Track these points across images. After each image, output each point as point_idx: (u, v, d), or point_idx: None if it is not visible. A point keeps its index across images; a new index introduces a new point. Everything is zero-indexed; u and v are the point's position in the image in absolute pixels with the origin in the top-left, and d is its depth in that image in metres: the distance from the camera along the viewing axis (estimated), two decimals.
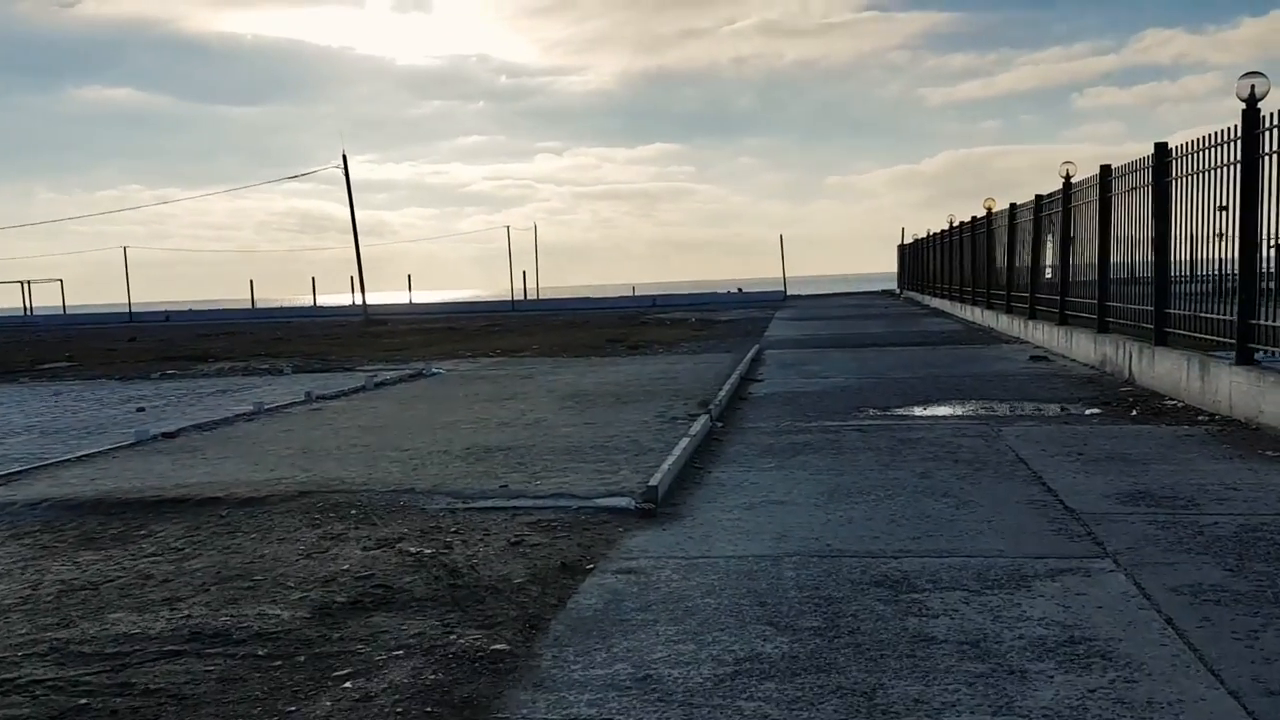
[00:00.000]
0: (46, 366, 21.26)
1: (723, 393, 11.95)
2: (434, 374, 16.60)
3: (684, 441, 8.43)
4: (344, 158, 43.97)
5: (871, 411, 10.87)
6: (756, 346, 19.67)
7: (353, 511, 6.57)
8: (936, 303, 34.76)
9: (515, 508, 6.58)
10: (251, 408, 11.94)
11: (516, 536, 5.95)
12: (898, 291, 51.08)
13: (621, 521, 6.29)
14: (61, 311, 60.19)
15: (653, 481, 6.83)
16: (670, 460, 7.59)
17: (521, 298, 57.92)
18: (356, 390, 14.08)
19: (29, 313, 59.56)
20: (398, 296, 59.73)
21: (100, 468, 8.27)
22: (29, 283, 60.49)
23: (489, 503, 6.71)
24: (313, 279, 57.07)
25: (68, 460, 8.61)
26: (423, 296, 65.45)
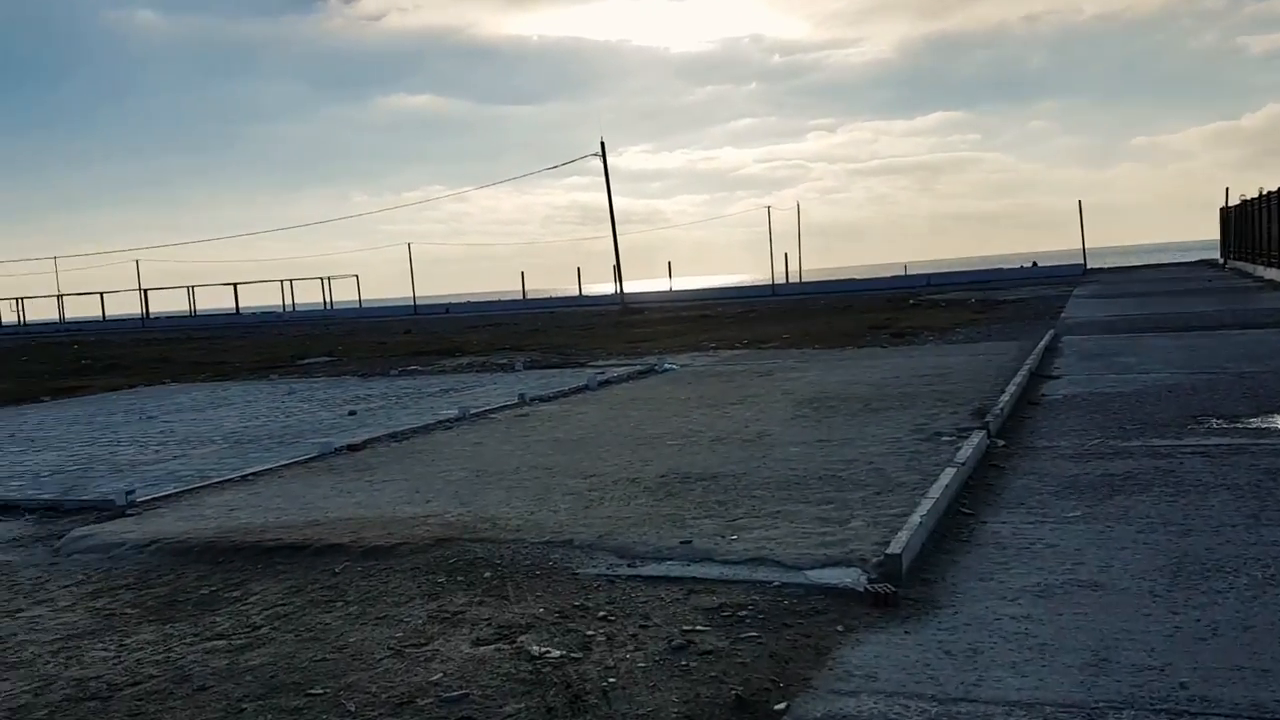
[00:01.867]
0: (306, 361, 21.75)
1: (1006, 396, 9.52)
2: (666, 370, 15.06)
3: (948, 473, 6.26)
4: (602, 147, 43.75)
5: (1215, 423, 8.12)
6: (1050, 332, 16.61)
7: (486, 574, 4.99)
8: (1272, 273, 29.32)
9: (694, 579, 4.75)
10: (456, 413, 10.83)
11: (684, 634, 4.12)
12: (1221, 261, 44.36)
13: (842, 612, 4.30)
14: (358, 305, 64.57)
15: (894, 548, 4.78)
16: (925, 506, 5.49)
17: (785, 281, 55.77)
18: (576, 391, 12.75)
19: (329, 306, 64.36)
20: (661, 284, 59.36)
21: (252, 493, 7.24)
22: (329, 279, 65.39)
23: (661, 568, 4.92)
24: (578, 269, 57.69)
25: (228, 481, 7.69)
26: (686, 283, 64.89)
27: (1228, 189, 47.04)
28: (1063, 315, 21.31)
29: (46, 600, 5.02)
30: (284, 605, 4.76)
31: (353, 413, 11.69)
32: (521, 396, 12.01)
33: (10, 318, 69.44)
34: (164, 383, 18.53)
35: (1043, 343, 14.72)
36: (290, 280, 64.92)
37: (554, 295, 62.17)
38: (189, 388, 17.09)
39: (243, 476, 7.84)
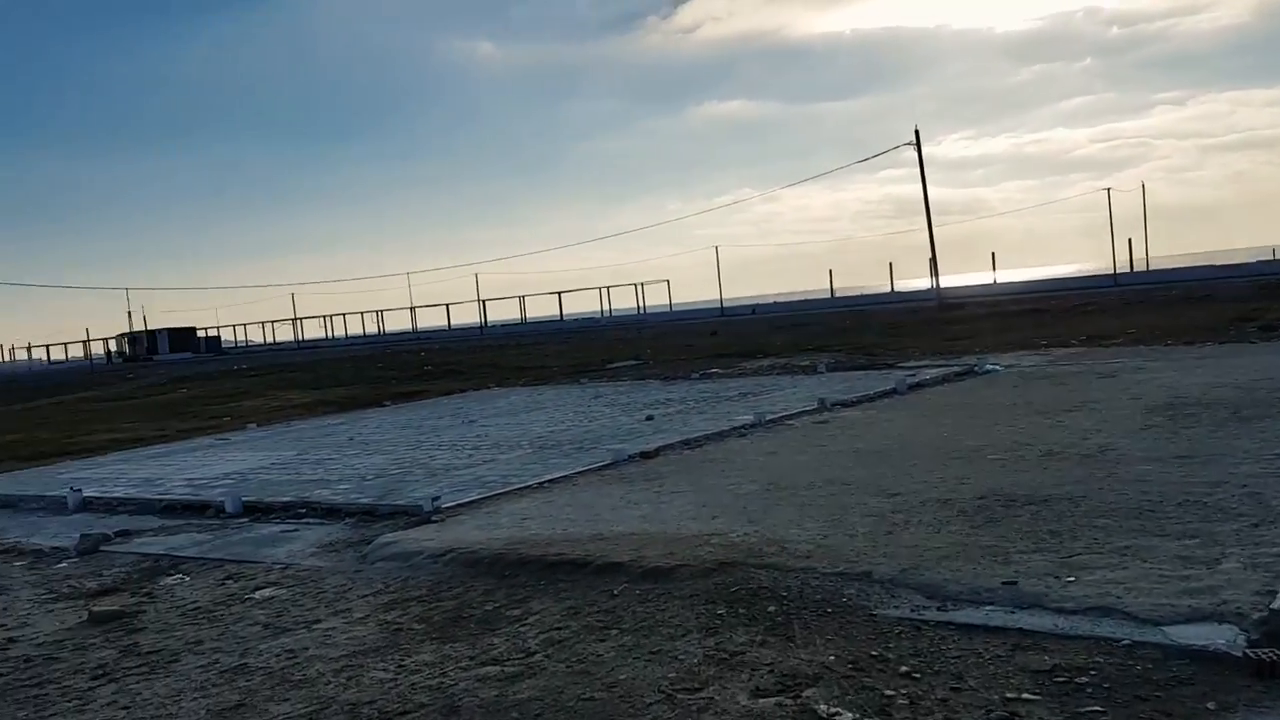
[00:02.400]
0: (615, 365, 22.28)
1: None
2: (987, 371, 13.80)
3: None
4: (916, 135, 41.79)
5: None
6: None
7: (770, 608, 4.48)
8: None
9: (1020, 631, 3.97)
10: (752, 418, 10.40)
11: (1006, 703, 3.39)
12: None
13: (1214, 684, 3.39)
14: (668, 309, 66.29)
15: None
16: None
17: (1128, 270, 50.68)
18: (883, 395, 11.92)
19: (641, 311, 66.57)
20: (984, 277, 56.00)
21: (546, 501, 7.18)
22: (642, 285, 67.66)
23: (979, 614, 4.17)
24: (890, 264, 55.76)
25: (526, 488, 7.71)
26: (1013, 275, 60.83)
27: None
28: None
29: (344, 611, 5.11)
30: (560, 629, 4.51)
31: (650, 418, 11.59)
32: (821, 401, 11.38)
33: (371, 328, 77.77)
34: (489, 387, 19.63)
35: None
36: (607, 287, 67.82)
37: (864, 293, 60.44)
38: (510, 391, 17.95)
39: (540, 483, 7.84)
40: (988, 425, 8.91)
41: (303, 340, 79.71)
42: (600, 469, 8.34)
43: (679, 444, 9.33)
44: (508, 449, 10.12)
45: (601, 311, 69.46)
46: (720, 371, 17.99)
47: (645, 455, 8.79)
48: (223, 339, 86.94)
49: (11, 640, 5.01)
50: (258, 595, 5.52)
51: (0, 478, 11.50)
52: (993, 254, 55.74)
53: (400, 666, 4.27)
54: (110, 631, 5.04)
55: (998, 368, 14.01)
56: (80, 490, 9.21)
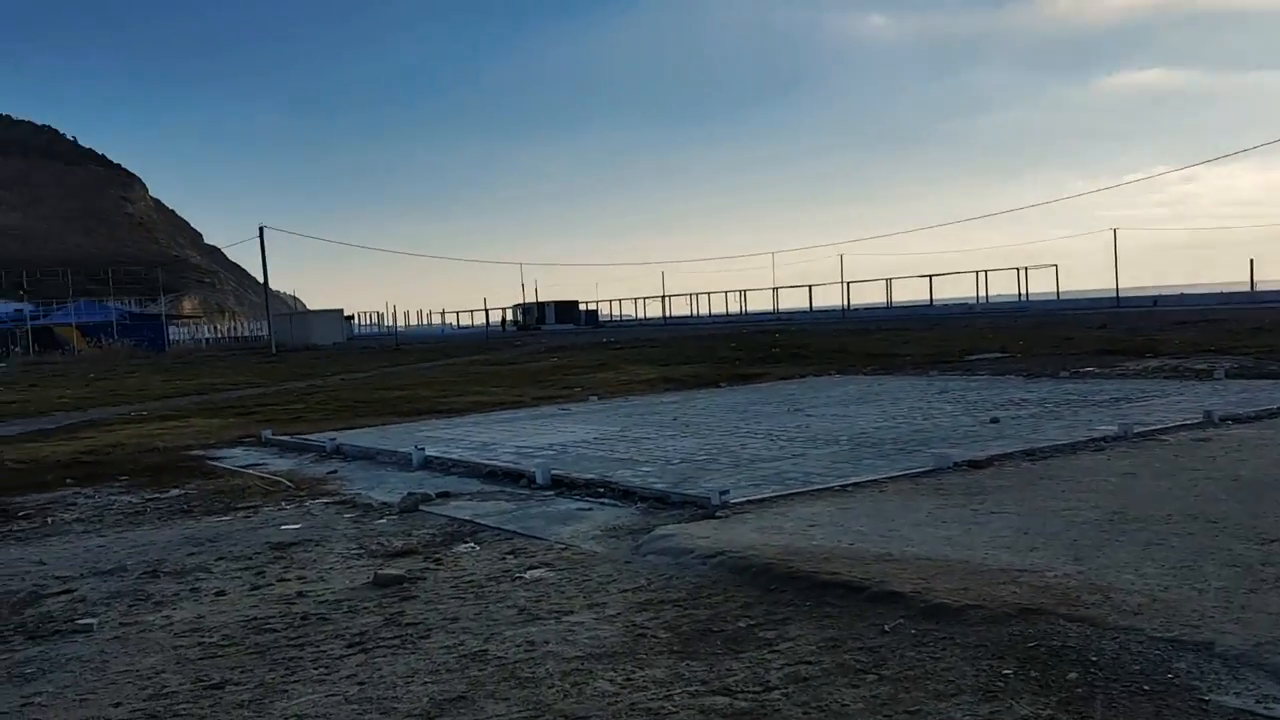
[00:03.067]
0: (975, 357, 20.69)
1: None
2: None
3: None
4: None
5: None
6: None
7: (1071, 676, 3.63)
8: None
9: None
10: (1116, 430, 8.99)
11: None
12: None
13: None
14: (1054, 297, 61.29)
15: None
16: None
17: None
18: None
19: (1023, 298, 62.08)
20: None
21: (842, 507, 6.55)
22: (1025, 269, 63.06)
23: None
24: None
25: (825, 490, 7.12)
26: None
27: None
28: None
29: (599, 605, 4.89)
30: (811, 664, 3.96)
31: (995, 420, 10.44)
32: (1208, 414, 9.63)
33: (735, 307, 79.29)
34: (830, 374, 19.00)
35: None
36: (984, 271, 63.99)
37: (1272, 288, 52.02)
38: (849, 380, 17.22)
39: (842, 486, 7.21)
40: None
41: (669, 317, 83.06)
42: (916, 476, 7.54)
43: (1019, 454, 8.25)
44: (823, 444, 9.54)
45: (977, 298, 65.68)
46: (1095, 371, 16.05)
47: (973, 464, 7.84)
48: (599, 313, 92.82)
49: (301, 595, 5.31)
50: (528, 575, 5.45)
51: (372, 431, 12.74)
52: None
53: (628, 680, 3.94)
54: (386, 596, 5.19)
55: None
56: (424, 449, 9.88)
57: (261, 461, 10.65)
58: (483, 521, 6.87)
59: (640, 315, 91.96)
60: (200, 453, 11.60)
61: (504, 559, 5.89)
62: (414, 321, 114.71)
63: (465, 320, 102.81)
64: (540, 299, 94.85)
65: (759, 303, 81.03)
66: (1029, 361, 18.68)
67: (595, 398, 16.19)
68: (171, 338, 75.21)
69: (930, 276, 66.73)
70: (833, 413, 12.08)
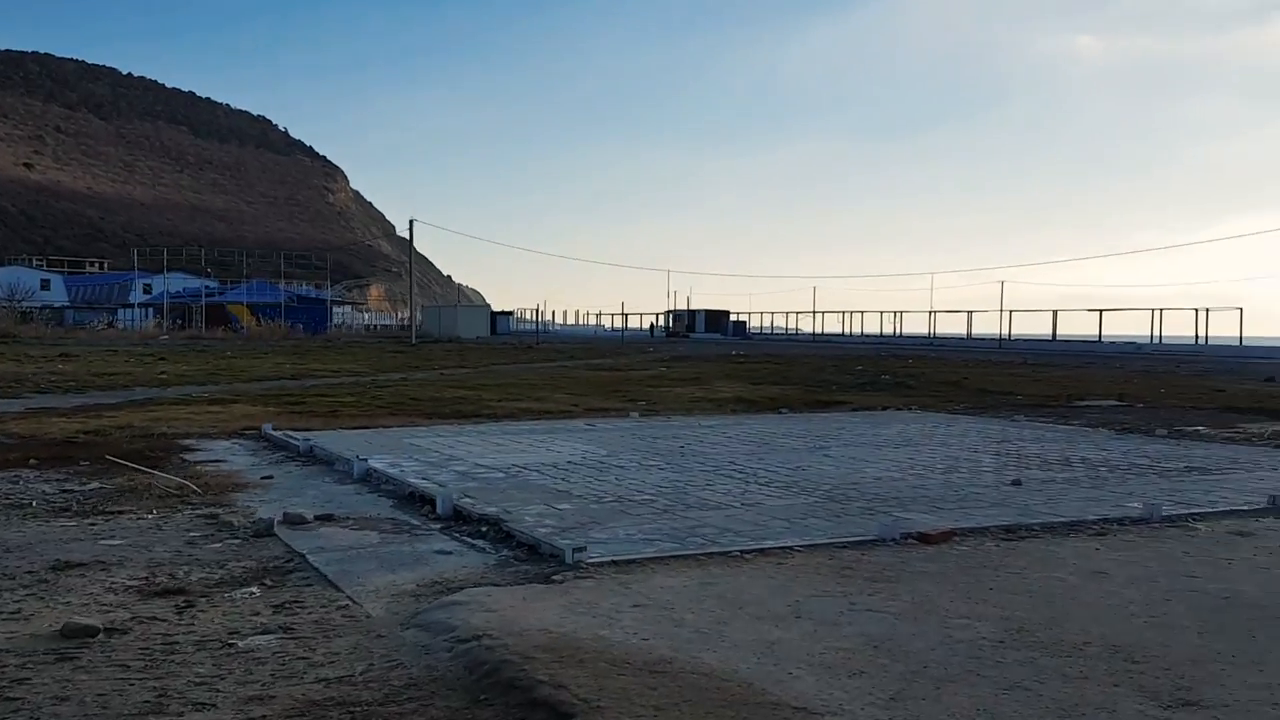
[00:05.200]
0: (1085, 403, 18.58)
1: None
2: None
3: None
4: None
5: None
6: None
7: None
8: None
9: None
10: (1139, 509, 7.40)
11: None
12: None
13: None
14: (1238, 342, 56.06)
15: None
16: None
17: None
18: None
19: (1200, 341, 57.08)
20: None
21: (705, 582, 5.43)
22: (1207, 311, 58.00)
23: None
24: None
25: (718, 555, 6.00)
26: None
27: None
28: None
29: (254, 701, 4.02)
30: None
31: (1017, 482, 8.93)
32: (1274, 500, 7.88)
33: (889, 328, 76.34)
34: (912, 408, 17.41)
35: None
36: (1160, 309, 59.25)
37: None
38: (924, 418, 15.64)
39: (743, 552, 6.06)
40: None
41: (819, 333, 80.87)
42: (847, 545, 6.32)
43: (998, 529, 6.88)
44: (796, 492, 8.33)
45: (1151, 337, 60.89)
46: (1204, 431, 13.95)
47: (924, 538, 6.53)
48: (749, 324, 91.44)
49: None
50: (244, 644, 4.49)
51: (367, 433, 12.24)
52: None
53: None
54: (49, 653, 4.30)
55: None
56: (366, 460, 9.26)
57: (227, 459, 10.28)
58: (313, 559, 6.07)
59: (792, 328, 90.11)
60: (190, 442, 11.37)
61: (259, 614, 4.98)
62: (571, 321, 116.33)
63: (620, 323, 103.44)
64: (692, 307, 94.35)
65: (916, 325, 77.78)
66: (1138, 414, 16.54)
67: (635, 414, 15.29)
68: (336, 322, 78.65)
69: (1101, 311, 62.26)
70: (854, 454, 10.76)
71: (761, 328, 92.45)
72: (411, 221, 60.82)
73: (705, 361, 35.99)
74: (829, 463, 10.12)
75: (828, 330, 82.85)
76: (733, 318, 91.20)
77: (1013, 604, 5.07)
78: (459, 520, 7.12)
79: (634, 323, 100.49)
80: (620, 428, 13.36)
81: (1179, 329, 59.97)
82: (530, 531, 6.45)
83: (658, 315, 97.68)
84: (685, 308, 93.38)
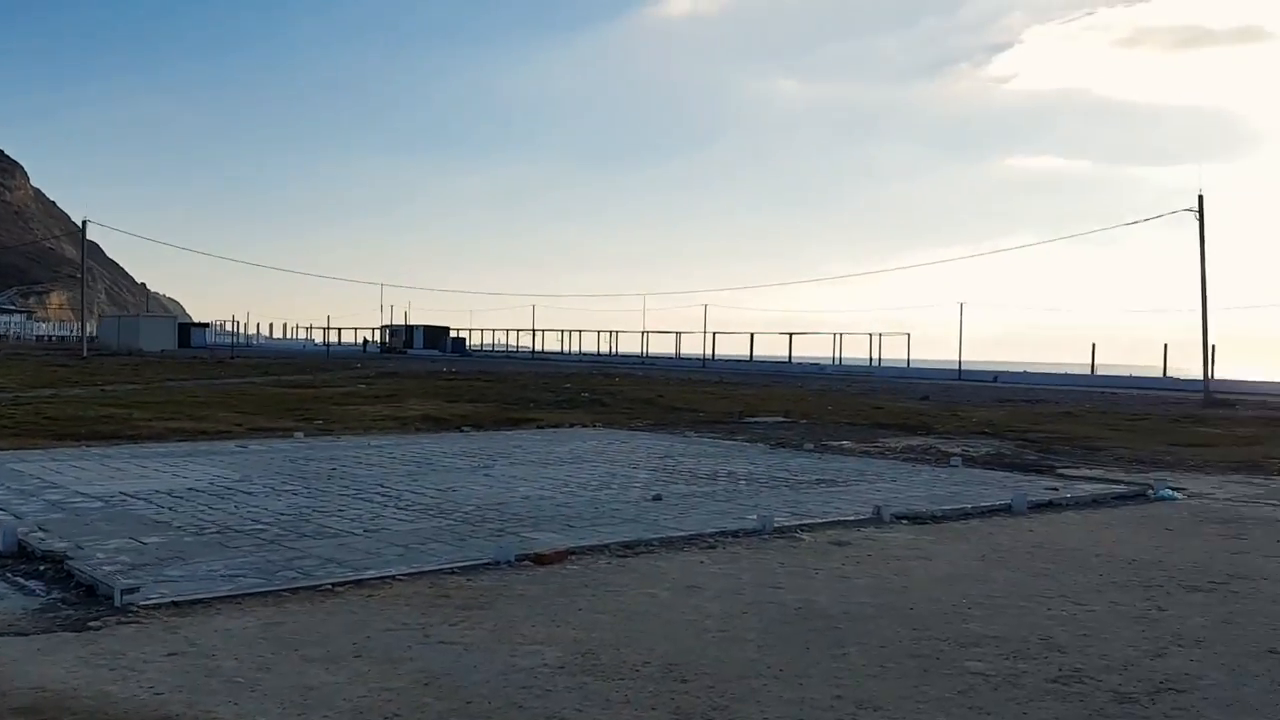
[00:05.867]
0: (755, 420, 19.62)
1: None
2: (1161, 498, 10.19)
3: None
4: (1199, 202, 35.65)
5: None
6: None
7: None
8: None
9: None
10: (756, 522, 7.68)
11: None
12: None
13: None
14: (905, 364, 61.70)
15: None
16: None
17: None
18: (985, 513, 8.79)
19: (873, 363, 62.39)
20: None
21: (269, 621, 4.99)
22: (880, 335, 63.49)
23: None
24: (1164, 346, 48.86)
25: (303, 590, 5.56)
26: None
27: None
28: None
29: None
30: None
31: (658, 497, 9.10)
32: (878, 511, 8.46)
33: (605, 347, 77.99)
34: (597, 425, 17.62)
35: None
36: (840, 334, 64.28)
37: (1137, 375, 53.35)
38: (605, 435, 15.82)
39: (325, 586, 5.66)
40: (1055, 594, 5.83)
41: (539, 351, 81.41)
42: (453, 572, 6.06)
43: (619, 546, 6.88)
44: (433, 515, 8.02)
45: (834, 359, 65.90)
46: (848, 446, 14.99)
47: (539, 559, 6.40)
48: (469, 341, 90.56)
49: None
50: None
51: None
52: None
53: None
54: None
55: (1176, 495, 10.32)
56: None
57: None
58: None
59: (513, 346, 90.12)
60: None
61: None
62: (279, 334, 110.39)
63: (334, 338, 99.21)
64: (410, 323, 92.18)
65: (631, 344, 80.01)
66: (798, 429, 17.62)
67: (300, 434, 14.43)
68: (2, 332, 70.25)
69: (790, 334, 66.70)
70: (516, 474, 10.60)
71: (483, 345, 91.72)
72: (85, 222, 55.15)
73: (412, 379, 35.03)
74: (485, 483, 9.89)
75: (548, 348, 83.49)
76: (453, 334, 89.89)
77: (594, 625, 5.00)
78: (21, 557, 6.23)
79: (349, 338, 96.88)
80: (276, 449, 12.49)
81: (858, 351, 65.30)
82: (93, 571, 5.71)
83: (374, 330, 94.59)
84: (404, 323, 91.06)
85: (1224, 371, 48.21)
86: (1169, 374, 48.29)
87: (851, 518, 8.36)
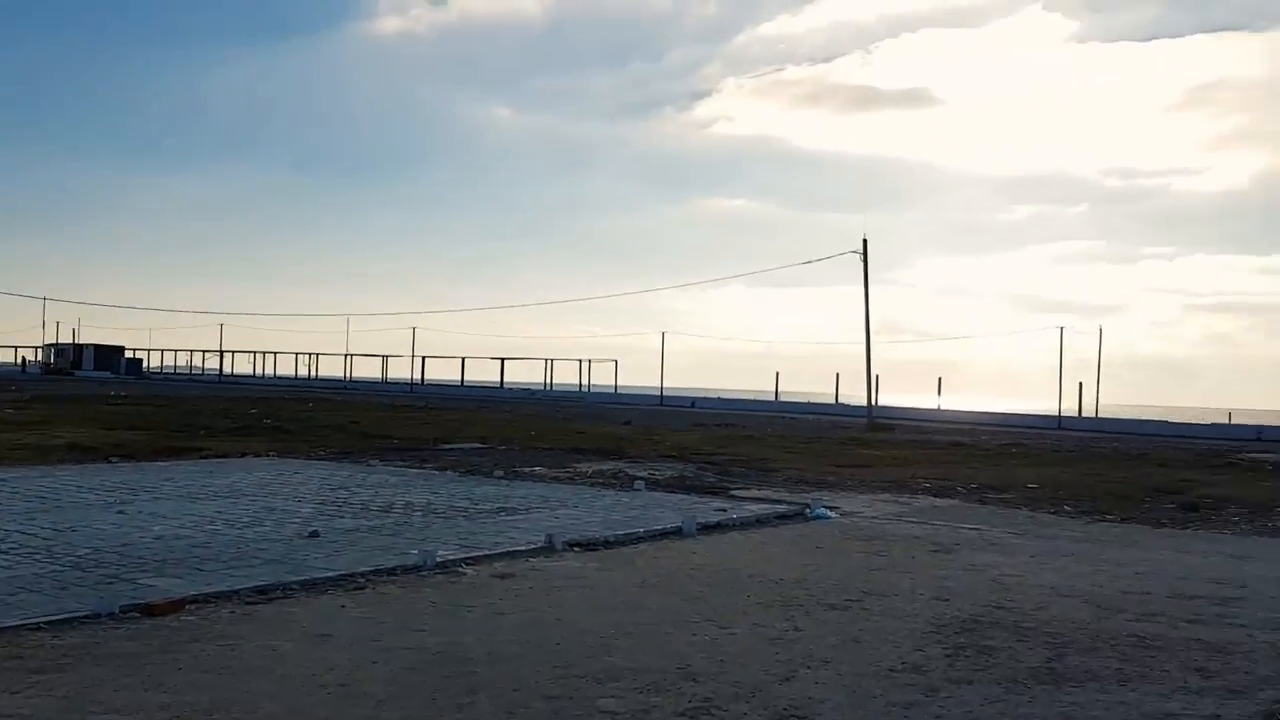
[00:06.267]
0: (451, 446, 19.14)
1: None
2: (818, 517, 10.79)
3: None
4: (864, 245, 38.99)
5: None
6: None
7: None
8: None
9: None
10: (417, 557, 7.27)
11: None
12: None
13: None
14: (613, 390, 63.18)
15: None
16: None
17: (1077, 414, 48.13)
18: (656, 537, 8.86)
19: (583, 388, 63.51)
20: (949, 402, 53.23)
21: None
22: (589, 361, 64.76)
23: None
24: (836, 375, 53.06)
25: None
26: (969, 403, 58.02)
27: None
28: None
29: None
30: None
31: (315, 534, 8.44)
32: (550, 539, 8.30)
33: (304, 370, 74.17)
34: (272, 455, 16.43)
35: None
36: (551, 359, 64.99)
37: (814, 400, 57.64)
38: (280, 465, 14.75)
39: None
40: (703, 619, 5.84)
41: (228, 374, 76.22)
42: (39, 628, 5.20)
43: (251, 591, 6.23)
44: (35, 560, 6.98)
45: (545, 384, 66.46)
46: (543, 471, 14.88)
47: (149, 610, 5.64)
48: (146, 362, 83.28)
49: None
50: None
51: None
52: (939, 379, 53.02)
53: None
54: None
55: (830, 514, 10.97)
56: None
57: None
58: None
59: (198, 367, 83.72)
60: None
61: None
62: None
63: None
64: (81, 342, 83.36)
65: (334, 367, 76.52)
66: (493, 455, 17.35)
67: None
68: None
69: (503, 359, 66.63)
70: (156, 510, 9.52)
71: (163, 367, 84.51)
72: None
73: (73, 402, 31.45)
74: (115, 522, 8.79)
75: (239, 370, 78.26)
76: (129, 355, 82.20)
77: (191, 686, 4.40)
78: None
79: (6, 357, 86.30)
80: None
81: (570, 376, 66.24)
82: None
83: (37, 349, 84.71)
84: (71, 342, 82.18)
85: (888, 398, 53.34)
86: (841, 400, 52.49)
87: (523, 548, 8.14)
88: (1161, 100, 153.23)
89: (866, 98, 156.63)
